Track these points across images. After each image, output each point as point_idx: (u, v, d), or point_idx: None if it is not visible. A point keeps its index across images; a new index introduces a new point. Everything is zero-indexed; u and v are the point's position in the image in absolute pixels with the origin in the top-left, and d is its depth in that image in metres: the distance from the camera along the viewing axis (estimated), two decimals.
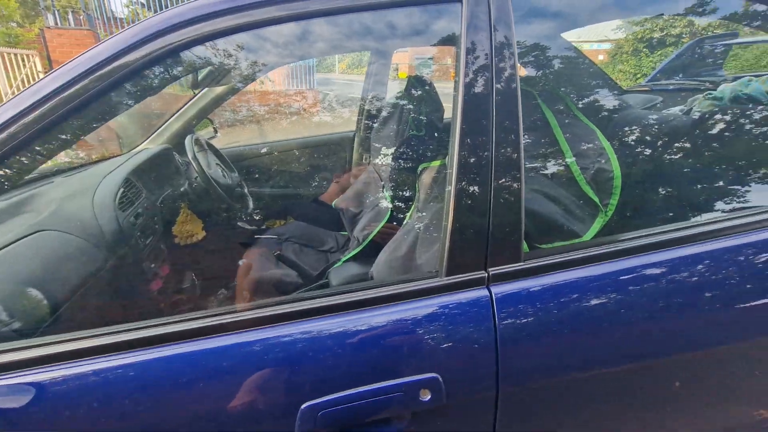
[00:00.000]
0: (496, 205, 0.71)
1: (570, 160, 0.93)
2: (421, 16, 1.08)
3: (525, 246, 0.87)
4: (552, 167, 0.95)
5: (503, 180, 0.72)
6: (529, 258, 0.74)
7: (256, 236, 1.85)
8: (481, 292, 0.71)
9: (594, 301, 0.73)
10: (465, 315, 0.70)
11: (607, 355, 0.74)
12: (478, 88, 0.73)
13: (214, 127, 2.06)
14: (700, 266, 0.76)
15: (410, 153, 1.51)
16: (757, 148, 1.01)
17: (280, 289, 1.54)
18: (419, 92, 1.60)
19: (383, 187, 1.61)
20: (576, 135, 0.96)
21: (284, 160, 2.19)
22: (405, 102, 1.69)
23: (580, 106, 1.15)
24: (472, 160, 0.72)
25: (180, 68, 0.98)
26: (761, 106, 1.18)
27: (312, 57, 2.90)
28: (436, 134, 1.50)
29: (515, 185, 0.72)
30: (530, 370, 0.71)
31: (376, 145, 1.79)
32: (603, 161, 0.90)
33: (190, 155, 1.57)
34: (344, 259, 1.58)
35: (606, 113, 1.31)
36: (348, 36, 1.50)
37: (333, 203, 1.86)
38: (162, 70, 0.89)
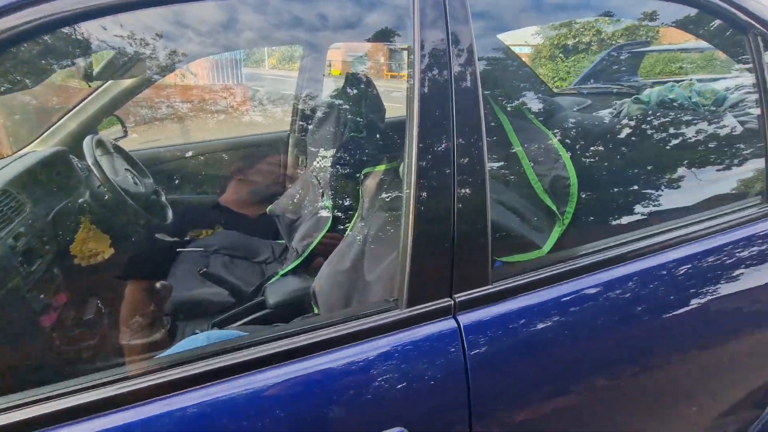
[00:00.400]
0: (460, 223, 0.61)
1: (526, 166, 0.86)
2: (363, 7, 0.96)
3: None
4: (508, 174, 0.88)
5: (467, 194, 0.62)
6: (496, 280, 0.65)
7: (178, 250, 1.61)
8: (447, 324, 0.61)
9: (568, 322, 0.66)
10: (431, 352, 0.59)
11: (582, 380, 0.68)
12: (436, 89, 0.63)
13: (123, 126, 1.76)
14: (663, 280, 0.73)
15: (351, 157, 1.37)
16: (708, 148, 1.03)
17: (206, 311, 1.33)
18: (358, 91, 1.47)
19: (323, 193, 1.46)
20: (530, 140, 0.90)
21: (210, 163, 1.94)
22: (343, 101, 1.56)
23: (526, 108, 1.10)
24: (433, 174, 0.61)
25: (68, 51, 0.76)
26: (695, 110, 1.22)
27: (239, 48, 2.63)
28: (378, 136, 1.39)
29: (481, 199, 0.63)
30: (505, 406, 0.63)
31: (313, 148, 1.63)
32: (559, 168, 0.85)
33: (89, 160, 1.30)
34: (282, 272, 1.41)
35: (545, 115, 1.29)
36: (278, 26, 1.32)
37: (268, 209, 1.67)
38: (38, 51, 0.67)
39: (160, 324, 1.24)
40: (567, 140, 1.12)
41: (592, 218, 0.89)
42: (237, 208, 1.69)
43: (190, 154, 1.92)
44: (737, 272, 0.79)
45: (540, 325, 0.65)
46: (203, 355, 0.54)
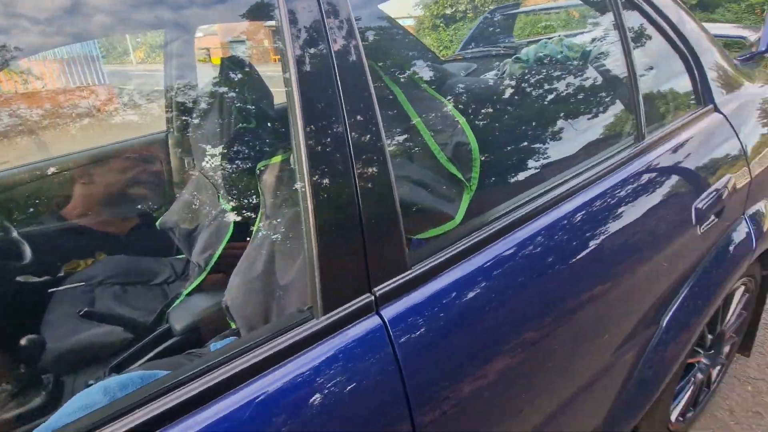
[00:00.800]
0: (367, 208, 0.55)
1: (427, 136, 0.82)
2: None
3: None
4: (410, 147, 0.83)
5: (370, 177, 0.55)
6: (414, 263, 0.61)
7: (51, 290, 1.33)
8: (372, 322, 0.55)
9: (489, 289, 0.65)
10: (359, 357, 0.53)
11: (510, 341, 0.68)
12: (315, 66, 0.54)
13: None
14: (568, 227, 0.76)
15: (243, 150, 1.23)
16: (586, 98, 1.08)
17: (99, 355, 1.12)
18: (239, 76, 1.31)
19: (219, 196, 1.30)
20: (427, 109, 0.86)
21: (75, 180, 1.62)
22: (224, 90, 1.38)
23: (418, 77, 1.06)
24: (327, 161, 0.53)
25: None
26: (568, 64, 1.29)
27: (87, 39, 2.24)
28: (269, 125, 1.26)
29: (385, 180, 0.57)
30: (441, 389, 0.59)
31: (199, 146, 1.44)
32: (459, 134, 0.83)
33: None
34: (186, 292, 1.24)
35: (437, 83, 1.27)
36: (130, 7, 1.11)
37: (158, 222, 1.46)
38: None
39: (38, 386, 1.01)
40: (461, 105, 1.11)
41: (496, 180, 0.89)
42: (97, 226, 1.44)
43: (52, 170, 1.59)
44: (625, 209, 0.85)
45: (462, 300, 0.62)
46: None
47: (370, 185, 0.55)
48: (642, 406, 1.01)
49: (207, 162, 1.41)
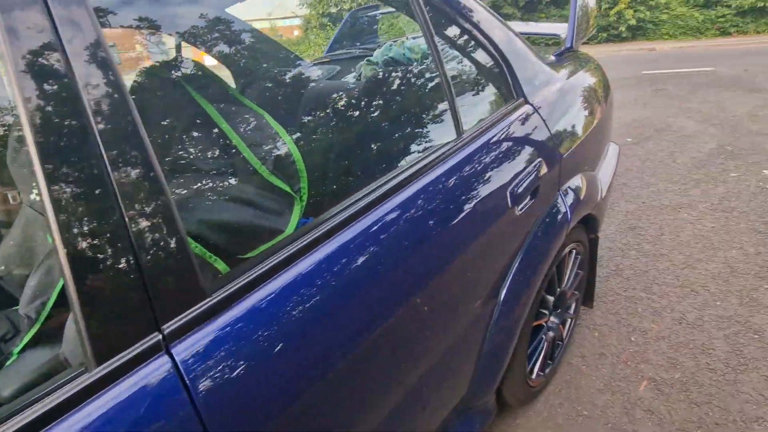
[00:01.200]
0: (140, 238, 0.50)
1: (246, 153, 0.79)
2: None
3: (223, 265, 0.70)
4: (228, 166, 0.79)
5: (138, 199, 0.50)
6: (216, 288, 0.58)
7: None
8: (157, 365, 0.50)
9: (313, 301, 0.64)
10: (144, 408, 0.48)
11: (343, 352, 0.68)
12: (49, 85, 0.48)
13: None
14: (397, 223, 0.78)
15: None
16: (414, 99, 1.13)
17: None
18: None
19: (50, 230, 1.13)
20: (244, 123, 0.82)
21: None
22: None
23: (249, 90, 1.02)
24: (79, 197, 0.47)
25: None
26: (406, 64, 1.34)
27: None
28: None
29: (161, 200, 0.52)
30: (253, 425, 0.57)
31: (21, 174, 1.24)
32: (279, 146, 0.81)
33: None
34: (16, 351, 1.06)
35: (295, 89, 1.25)
36: None
37: None
38: None
39: None
40: (303, 114, 1.10)
41: (326, 187, 0.89)
42: None
43: None
44: (449, 200, 0.90)
45: (274, 319, 0.60)
46: None
47: (141, 210, 0.51)
48: (497, 373, 1.10)
49: (34, 194, 1.22)
